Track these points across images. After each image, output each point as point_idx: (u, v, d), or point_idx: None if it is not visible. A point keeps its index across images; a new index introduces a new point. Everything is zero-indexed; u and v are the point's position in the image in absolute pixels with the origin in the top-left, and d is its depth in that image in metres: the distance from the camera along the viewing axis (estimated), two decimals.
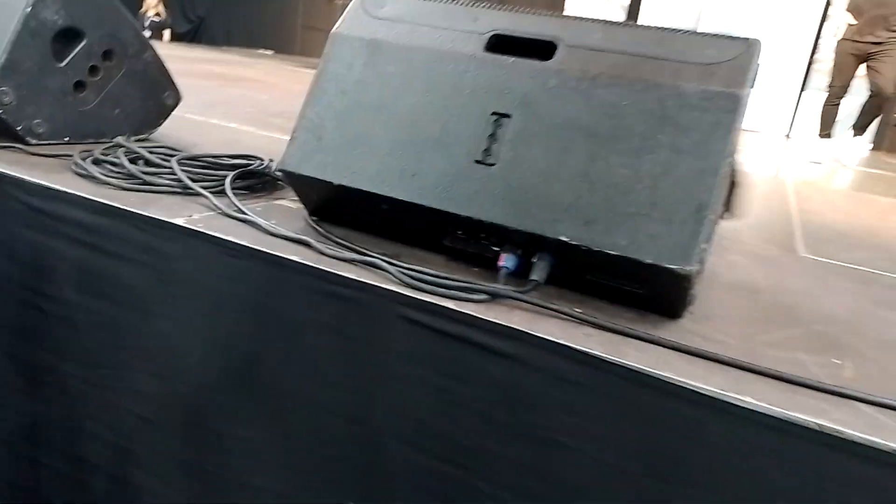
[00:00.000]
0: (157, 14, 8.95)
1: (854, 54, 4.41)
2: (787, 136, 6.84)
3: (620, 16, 7.29)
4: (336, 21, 1.09)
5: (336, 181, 0.99)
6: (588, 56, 0.93)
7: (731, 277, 1.17)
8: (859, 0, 4.36)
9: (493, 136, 0.93)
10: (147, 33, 8.74)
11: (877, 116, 4.70)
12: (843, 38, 4.46)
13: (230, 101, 2.72)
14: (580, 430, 0.80)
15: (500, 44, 0.98)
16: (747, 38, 0.88)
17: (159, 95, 1.61)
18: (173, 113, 1.66)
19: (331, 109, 1.03)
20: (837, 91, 4.62)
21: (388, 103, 1.00)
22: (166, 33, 9.00)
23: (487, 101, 0.95)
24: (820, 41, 6.70)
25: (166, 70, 1.61)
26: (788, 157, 4.38)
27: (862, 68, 4.50)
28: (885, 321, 1.07)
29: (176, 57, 4.65)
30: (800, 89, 6.81)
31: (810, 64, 6.75)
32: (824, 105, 4.71)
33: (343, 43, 1.06)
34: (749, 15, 6.82)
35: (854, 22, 4.36)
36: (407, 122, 0.99)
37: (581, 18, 0.97)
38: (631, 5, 7.41)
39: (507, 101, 0.94)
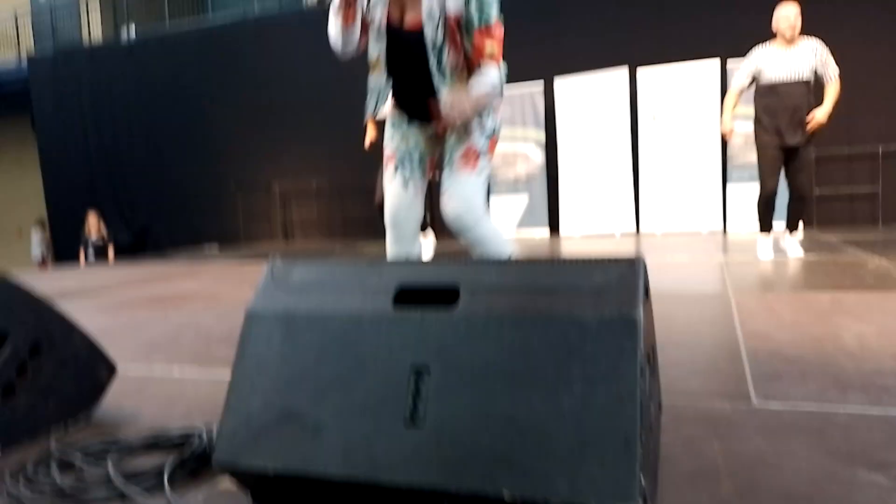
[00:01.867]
0: (102, 237, 9.12)
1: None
2: (724, 231, 7.15)
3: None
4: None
5: (270, 468, 0.97)
6: (489, 298, 0.96)
7: (688, 462, 1.16)
8: (767, 100, 4.15)
9: (417, 394, 0.94)
10: (91, 258, 8.90)
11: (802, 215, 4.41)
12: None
13: (173, 335, 2.71)
14: None
15: (407, 295, 1.02)
16: (630, 259, 0.94)
17: (93, 373, 1.60)
18: None
19: (255, 391, 1.03)
20: (770, 187, 4.25)
21: (310, 375, 1.01)
22: (110, 252, 9.12)
23: (404, 356, 0.97)
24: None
25: (96, 346, 1.61)
26: (728, 259, 4.54)
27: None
28: (843, 483, 1.06)
29: (118, 284, 4.71)
30: (721, 184, 7.22)
31: (725, 160, 7.21)
32: (758, 202, 4.37)
33: (259, 321, 1.08)
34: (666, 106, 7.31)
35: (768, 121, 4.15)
36: (331, 391, 0.99)
37: (475, 262, 1.02)
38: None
39: (424, 353, 0.96)
